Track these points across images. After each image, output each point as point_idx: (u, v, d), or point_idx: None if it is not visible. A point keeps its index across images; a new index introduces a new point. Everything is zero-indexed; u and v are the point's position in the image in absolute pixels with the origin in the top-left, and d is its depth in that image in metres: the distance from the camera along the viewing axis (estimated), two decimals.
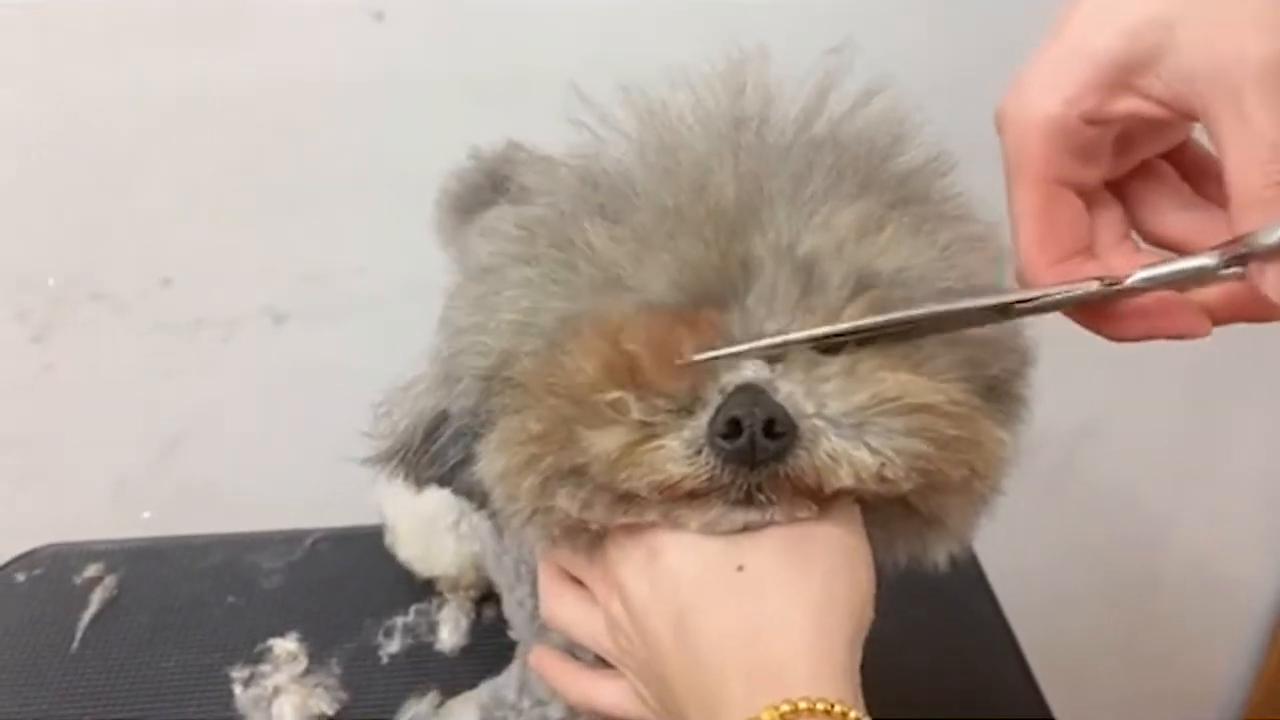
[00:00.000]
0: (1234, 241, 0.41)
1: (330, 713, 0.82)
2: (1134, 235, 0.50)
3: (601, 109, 0.51)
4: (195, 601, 0.91)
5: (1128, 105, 0.45)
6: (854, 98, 0.50)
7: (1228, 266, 0.41)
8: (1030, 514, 1.24)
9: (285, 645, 0.86)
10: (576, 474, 0.46)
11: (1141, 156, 0.50)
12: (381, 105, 1.04)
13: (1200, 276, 0.43)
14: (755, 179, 0.47)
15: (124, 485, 1.18)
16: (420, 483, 0.56)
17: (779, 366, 0.45)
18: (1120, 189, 0.50)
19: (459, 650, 0.88)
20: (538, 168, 0.53)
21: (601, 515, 0.47)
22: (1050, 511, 1.26)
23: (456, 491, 0.56)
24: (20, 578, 0.92)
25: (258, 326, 1.14)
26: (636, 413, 0.44)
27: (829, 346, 0.46)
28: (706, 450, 0.44)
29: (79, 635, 0.87)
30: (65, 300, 1.10)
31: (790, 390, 0.44)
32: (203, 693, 0.83)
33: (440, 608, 0.91)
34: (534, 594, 0.60)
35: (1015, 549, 1.19)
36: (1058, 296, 0.45)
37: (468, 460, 0.52)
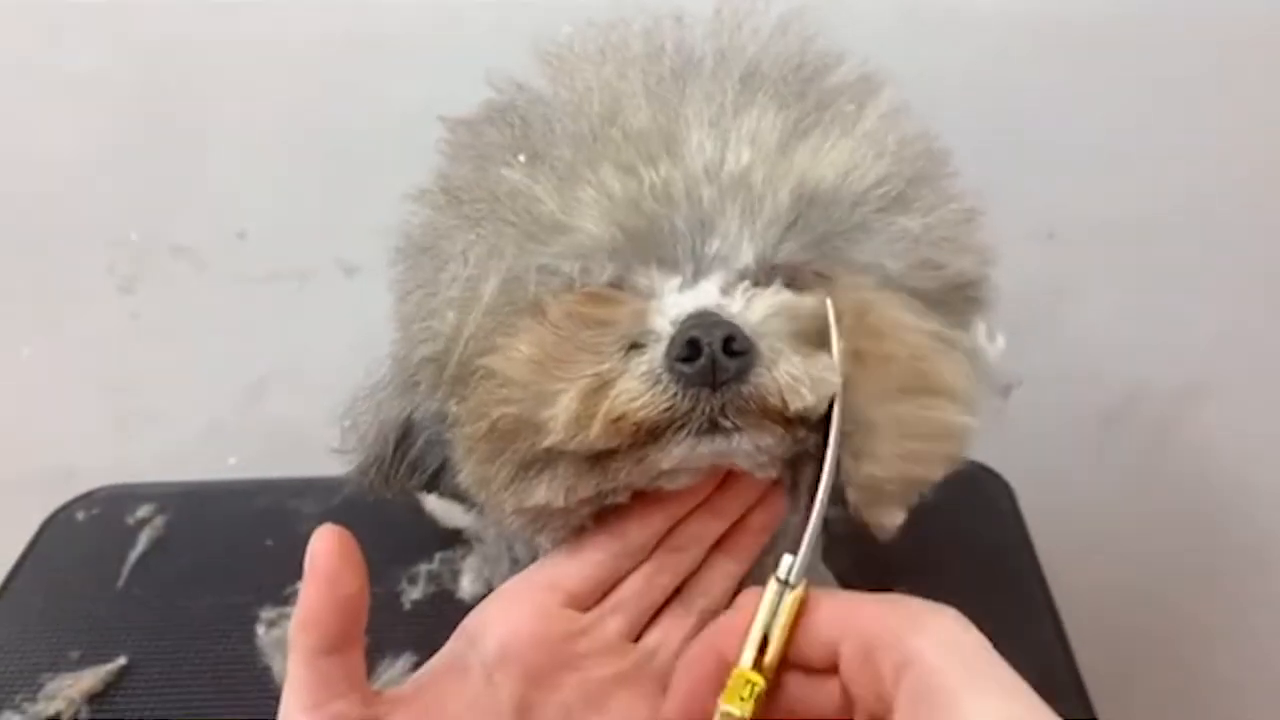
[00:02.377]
0: None
1: None
2: None
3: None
4: (235, 544, 0.94)
5: None
6: (769, 28, 0.49)
7: None
8: (1122, 479, 1.17)
9: None
10: (548, 457, 0.46)
11: None
12: (448, 57, 1.04)
13: None
14: (668, 102, 0.46)
15: (212, 430, 1.23)
16: (404, 493, 0.57)
17: (726, 296, 0.45)
18: None
19: (479, 599, 0.87)
20: (458, 131, 0.52)
21: (583, 490, 0.47)
22: (1145, 477, 1.18)
23: (444, 496, 0.56)
24: (80, 516, 0.97)
25: (329, 278, 1.16)
26: (587, 366, 0.44)
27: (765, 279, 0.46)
28: (665, 377, 0.43)
29: (125, 573, 0.91)
30: (148, 253, 1.15)
31: (742, 314, 0.44)
32: (233, 632, 0.86)
33: (464, 556, 0.91)
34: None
35: (1107, 517, 1.12)
36: None
37: (447, 465, 0.52)
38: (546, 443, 0.44)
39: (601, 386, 0.44)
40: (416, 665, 0.81)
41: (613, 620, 0.52)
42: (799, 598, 0.43)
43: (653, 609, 0.53)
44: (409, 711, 0.48)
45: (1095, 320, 1.09)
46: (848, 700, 0.43)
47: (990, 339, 0.51)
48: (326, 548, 0.45)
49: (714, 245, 0.45)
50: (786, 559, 0.44)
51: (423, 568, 0.90)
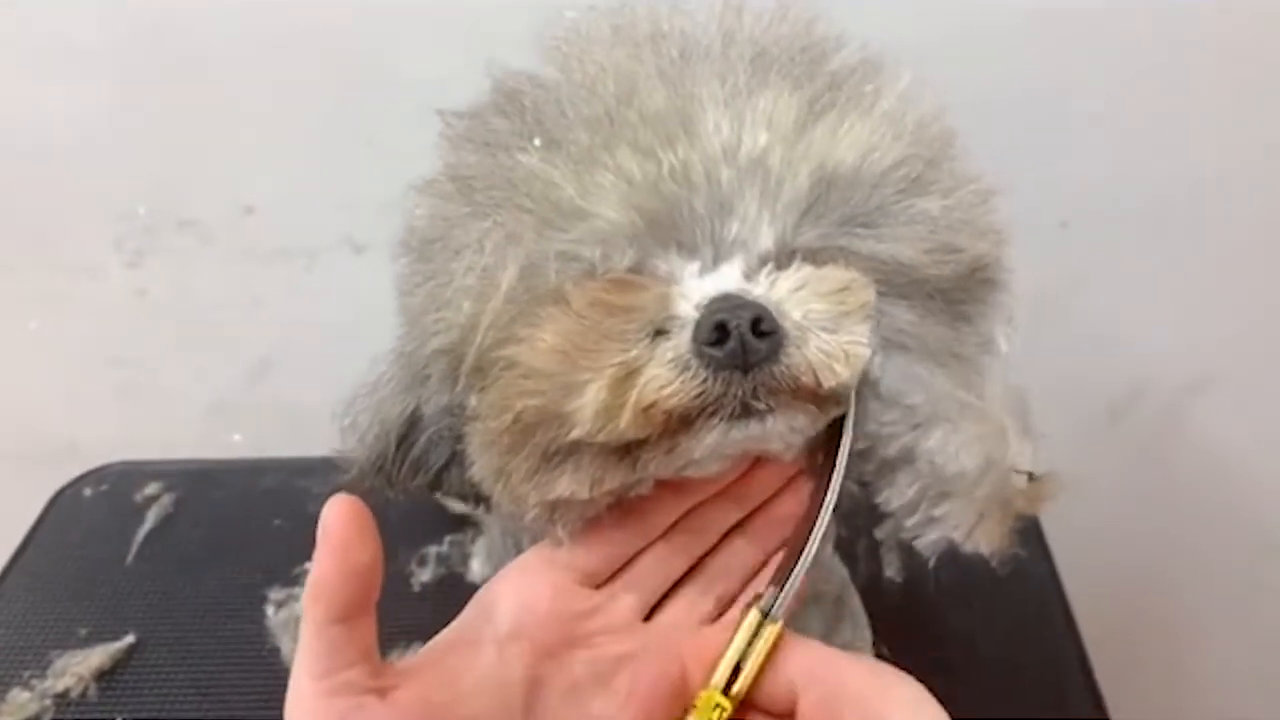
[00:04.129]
0: None
1: None
2: None
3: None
4: (244, 523, 0.94)
5: None
6: (770, 13, 0.49)
7: None
8: (1125, 477, 1.17)
9: None
10: (573, 448, 0.45)
11: None
12: (461, 35, 1.03)
13: None
14: (682, 84, 0.45)
15: (216, 407, 1.23)
16: (406, 492, 0.55)
17: (749, 280, 0.45)
18: None
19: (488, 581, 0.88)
20: (459, 122, 0.51)
21: (610, 481, 0.46)
22: (1151, 469, 1.18)
23: (447, 495, 0.55)
24: (88, 492, 0.97)
25: (338, 256, 1.16)
26: (613, 355, 0.43)
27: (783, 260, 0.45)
28: (694, 363, 0.42)
29: (133, 551, 0.91)
30: (155, 228, 1.14)
31: (766, 295, 0.44)
32: (241, 613, 0.86)
33: (474, 539, 0.91)
34: None
35: (1108, 514, 1.12)
36: None
37: (453, 462, 0.51)
38: (574, 434, 0.43)
39: (629, 375, 0.42)
40: None
41: (624, 598, 0.51)
42: (777, 632, 0.43)
43: (664, 588, 0.52)
44: (419, 683, 0.47)
45: (1105, 311, 1.09)
46: None
47: (1006, 339, 0.50)
48: (339, 516, 0.45)
49: (733, 228, 0.45)
50: (771, 592, 0.43)
51: (432, 550, 0.90)
